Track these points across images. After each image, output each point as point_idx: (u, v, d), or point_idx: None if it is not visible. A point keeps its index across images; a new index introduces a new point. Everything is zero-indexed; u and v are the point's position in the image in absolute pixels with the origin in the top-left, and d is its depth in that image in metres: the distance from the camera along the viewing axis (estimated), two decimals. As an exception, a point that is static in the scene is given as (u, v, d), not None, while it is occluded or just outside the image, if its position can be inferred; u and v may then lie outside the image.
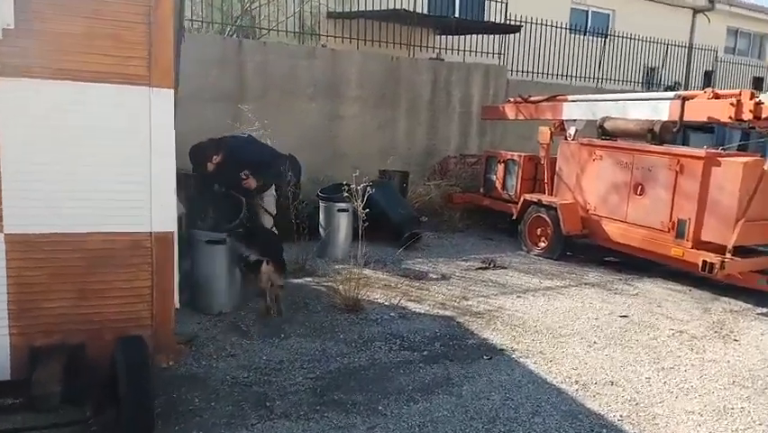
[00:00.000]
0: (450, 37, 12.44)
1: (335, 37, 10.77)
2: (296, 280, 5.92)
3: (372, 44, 11.03)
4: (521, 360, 4.42)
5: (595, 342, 4.89)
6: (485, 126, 11.65)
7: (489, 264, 7.23)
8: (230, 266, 4.95)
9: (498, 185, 9.05)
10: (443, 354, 4.44)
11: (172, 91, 3.33)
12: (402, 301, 5.57)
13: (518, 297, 6.00)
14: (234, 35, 10.41)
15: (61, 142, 3.11)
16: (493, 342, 4.74)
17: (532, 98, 8.79)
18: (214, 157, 5.46)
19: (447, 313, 5.35)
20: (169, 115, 3.33)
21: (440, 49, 11.96)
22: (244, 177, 5.65)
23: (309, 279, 6.05)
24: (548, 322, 5.29)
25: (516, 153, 8.96)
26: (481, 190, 9.46)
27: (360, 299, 5.22)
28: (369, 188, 7.99)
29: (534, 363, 4.39)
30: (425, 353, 4.44)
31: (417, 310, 5.37)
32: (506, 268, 7.14)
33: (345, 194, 5.69)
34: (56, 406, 2.86)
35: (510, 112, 9.16)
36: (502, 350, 4.59)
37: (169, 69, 3.32)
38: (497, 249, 8.14)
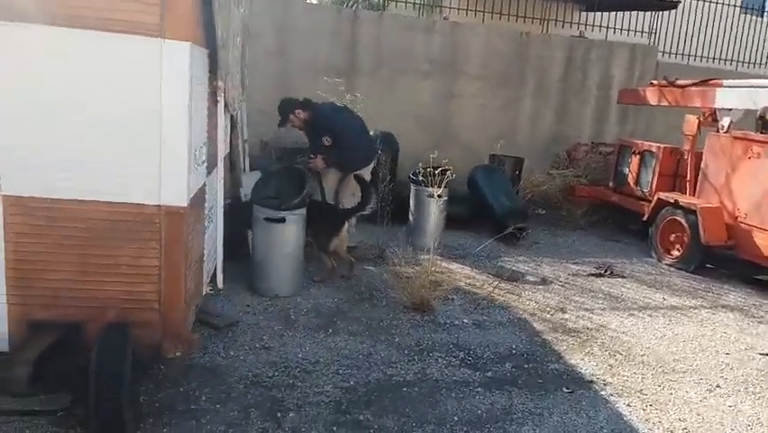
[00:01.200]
0: (593, 13, 11.14)
1: (458, 9, 9.95)
2: (369, 268, 5.35)
3: (500, 18, 10.08)
4: (612, 399, 3.50)
5: (718, 386, 3.82)
6: (627, 113, 10.28)
7: (605, 271, 6.17)
8: (290, 246, 4.49)
9: (631, 179, 7.82)
10: (512, 378, 3.64)
11: (189, 45, 2.85)
12: (483, 305, 4.80)
13: (631, 315, 4.97)
14: (355, 6, 10.02)
15: (52, 95, 2.74)
16: (581, 370, 3.84)
17: (679, 81, 7.44)
18: (299, 111, 5.34)
19: (534, 326, 4.50)
20: (184, 74, 2.85)
21: (577, 24, 10.68)
22: (312, 157, 5.35)
23: (386, 267, 5.43)
24: (660, 352, 4.26)
25: (654, 144, 7.67)
26: (611, 184, 8.27)
27: (430, 297, 4.53)
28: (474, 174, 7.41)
29: (629, 405, 3.46)
30: (489, 374, 3.67)
31: (498, 319, 4.58)
32: (624, 277, 6.05)
33: (420, 177, 4.90)
34: (23, 391, 2.52)
35: (652, 97, 7.85)
36: (590, 382, 3.69)
37: (187, 20, 2.84)
38: (620, 254, 7.01)
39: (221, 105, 3.75)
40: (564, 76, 9.99)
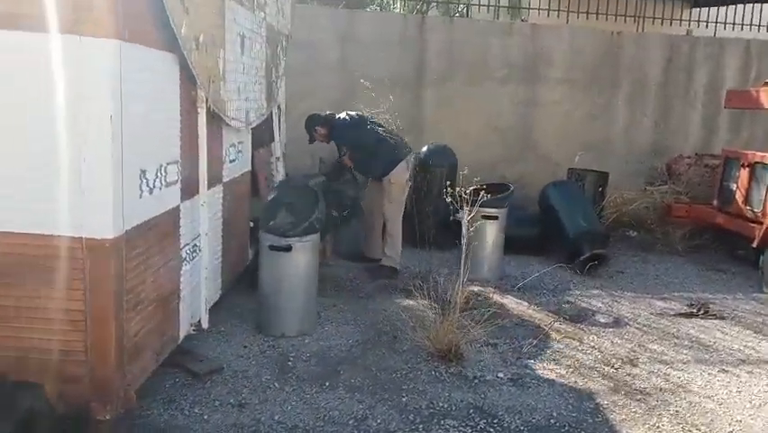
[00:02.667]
0: (698, 9, 9.82)
1: (539, 9, 9.05)
2: (405, 302, 4.68)
3: (587, 17, 9.05)
4: (674, 501, 2.60)
5: (838, 489, 2.78)
6: (741, 120, 8.89)
7: (698, 310, 5.09)
8: (299, 278, 3.93)
9: (739, 197, 6.57)
10: (541, 461, 2.84)
11: (118, 44, 2.36)
12: (529, 354, 3.98)
13: (722, 370, 3.93)
14: (426, 12, 9.40)
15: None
16: (639, 452, 2.95)
17: (803, 78, 6.16)
18: (319, 127, 5.49)
19: (590, 384, 3.62)
20: (109, 79, 2.37)
21: (680, 20, 9.42)
22: (343, 153, 5.52)
23: (425, 301, 4.73)
24: (757, 429, 3.24)
25: (768, 155, 6.40)
26: (715, 203, 7.03)
27: (460, 343, 3.78)
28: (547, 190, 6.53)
29: None
30: (510, 454, 2.89)
31: (544, 373, 3.74)
32: (723, 318, 4.94)
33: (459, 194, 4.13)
34: None
35: (767, 99, 6.58)
36: (648, 472, 2.80)
37: (112, 13, 2.35)
38: (722, 287, 5.84)
39: (201, 118, 3.26)
40: (665, 79, 8.80)
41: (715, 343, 4.40)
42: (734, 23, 9.29)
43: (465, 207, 3.87)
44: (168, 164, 2.94)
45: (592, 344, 4.25)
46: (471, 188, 3.96)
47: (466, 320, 4.10)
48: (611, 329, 4.55)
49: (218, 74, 3.49)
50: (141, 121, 2.62)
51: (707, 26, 9.37)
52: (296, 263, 3.90)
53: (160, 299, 2.95)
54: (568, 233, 6.10)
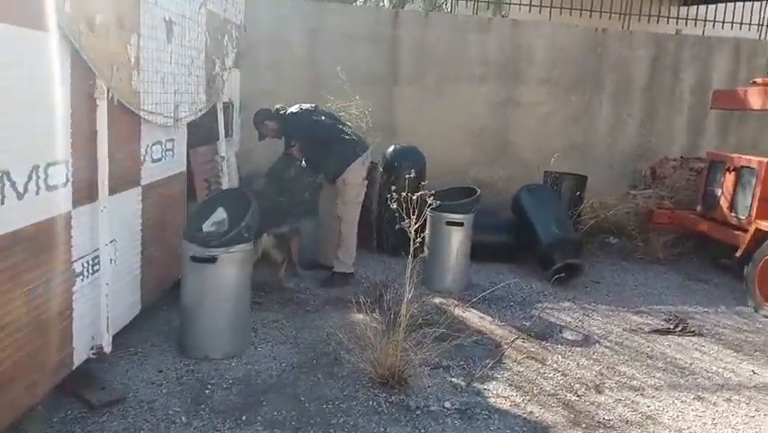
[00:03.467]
0: (686, 7, 9.46)
1: (520, 5, 8.66)
2: (356, 317, 4.25)
3: (571, 14, 8.66)
4: None
5: None
6: (729, 122, 8.53)
7: (676, 326, 4.70)
8: (226, 294, 3.51)
9: (724, 203, 6.20)
10: None
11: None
12: (483, 377, 3.57)
13: (697, 398, 3.54)
14: (402, 6, 9.00)
15: None
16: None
17: (792, 77, 5.79)
18: (268, 122, 5.25)
19: (547, 416, 3.22)
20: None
21: (667, 18, 9.03)
22: (291, 145, 5.28)
23: (378, 316, 4.31)
24: (734, 470, 2.85)
25: (754, 158, 6.02)
26: (698, 208, 6.66)
27: (404, 367, 3.36)
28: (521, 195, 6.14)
29: None
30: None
31: (497, 402, 3.33)
32: (702, 335, 4.55)
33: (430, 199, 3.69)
34: None
35: (755, 99, 6.22)
36: None
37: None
38: (704, 299, 5.46)
39: (101, 112, 2.83)
40: (650, 79, 8.42)
41: (691, 364, 4.01)
42: (723, 21, 8.94)
43: (411, 215, 3.43)
44: (49, 165, 2.52)
45: (556, 365, 3.84)
46: (421, 193, 3.48)
47: (417, 339, 3.71)
48: (579, 348, 4.15)
49: (127, 62, 3.07)
50: (1, 113, 2.20)
51: (695, 24, 8.99)
52: (221, 277, 3.47)
53: (37, 322, 2.53)
54: (540, 240, 5.71)
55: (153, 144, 3.65)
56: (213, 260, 3.40)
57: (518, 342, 4.15)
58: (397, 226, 3.52)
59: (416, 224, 3.42)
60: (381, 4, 8.99)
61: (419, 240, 3.45)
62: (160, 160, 3.76)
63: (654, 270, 6.30)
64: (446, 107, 7.91)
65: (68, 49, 2.55)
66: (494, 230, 6.13)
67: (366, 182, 5.29)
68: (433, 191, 3.63)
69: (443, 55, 7.85)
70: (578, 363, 3.89)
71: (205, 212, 3.72)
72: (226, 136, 5.39)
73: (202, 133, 4.75)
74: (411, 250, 3.42)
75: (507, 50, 8.04)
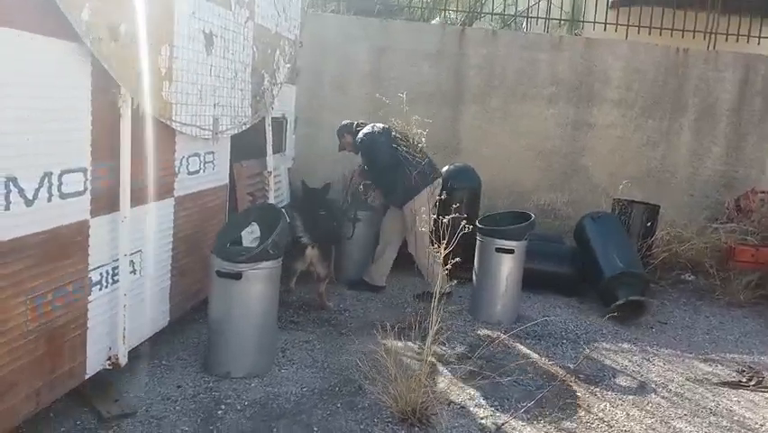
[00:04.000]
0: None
1: (594, 23, 8.25)
2: (393, 344, 4.04)
3: (650, 33, 8.17)
4: None
5: None
6: (828, 151, 7.75)
7: (749, 379, 4.19)
8: (252, 311, 3.41)
9: (816, 242, 5.56)
10: None
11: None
12: (515, 426, 3.26)
13: (765, 467, 3.09)
14: (471, 24, 8.77)
15: None
16: None
17: None
18: (346, 134, 5.37)
19: (583, 472, 2.88)
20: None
21: (758, 38, 8.33)
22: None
23: (417, 345, 4.09)
24: None
25: None
26: (787, 247, 6.02)
27: (429, 404, 3.12)
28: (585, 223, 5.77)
29: None
30: None
31: (529, 451, 3.03)
32: (779, 392, 4.03)
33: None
34: None
35: None
36: None
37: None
38: (789, 349, 4.87)
39: (125, 121, 2.81)
40: (738, 103, 7.80)
41: (763, 426, 3.53)
42: (823, 42, 8.15)
43: (442, 240, 3.20)
44: (64, 172, 2.50)
45: (602, 414, 3.48)
46: (453, 216, 3.25)
47: (452, 374, 3.49)
48: (631, 396, 3.75)
49: (157, 72, 3.05)
50: (10, 119, 2.19)
51: (788, 44, 8.28)
52: (247, 294, 3.37)
53: (45, 329, 2.50)
54: (603, 273, 5.30)
55: (190, 156, 3.62)
56: (238, 276, 3.31)
57: (564, 385, 3.80)
58: (428, 251, 3.28)
59: (447, 249, 3.18)
60: (449, 21, 8.80)
61: (449, 267, 3.19)
62: (197, 172, 3.73)
63: (732, 313, 5.72)
64: (513, 128, 7.63)
65: (88, 57, 2.53)
66: (554, 259, 5.77)
67: (433, 211, 5.10)
68: (464, 214, 3.38)
69: (511, 74, 7.59)
70: (627, 414, 3.51)
71: (236, 226, 3.64)
72: (278, 151, 5.40)
73: (250, 147, 4.73)
74: (440, 278, 3.18)
75: (580, 70, 7.66)
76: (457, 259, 3.22)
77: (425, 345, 3.40)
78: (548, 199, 7.50)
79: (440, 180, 5.24)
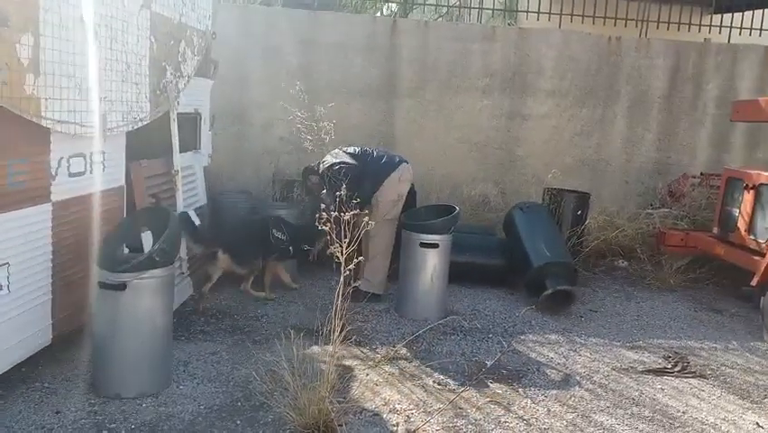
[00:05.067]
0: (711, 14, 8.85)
1: (527, 12, 8.18)
2: (313, 350, 3.81)
3: (583, 21, 8.15)
4: None
5: None
6: (759, 137, 7.90)
7: (675, 365, 4.13)
8: (140, 325, 3.13)
9: (742, 224, 5.58)
10: None
11: None
12: (432, 429, 3.09)
13: (685, 459, 2.99)
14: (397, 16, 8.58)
15: None
16: None
17: (819, 85, 5.19)
18: (311, 177, 5.24)
19: (494, 476, 2.72)
20: None
21: (688, 25, 8.42)
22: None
23: (330, 348, 3.87)
24: None
25: (776, 175, 5.41)
26: (715, 230, 6.04)
27: (333, 415, 2.91)
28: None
29: None
30: None
31: (440, 457, 2.85)
32: (704, 377, 3.97)
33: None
34: None
35: (778, 109, 5.61)
36: None
37: None
38: (714, 333, 4.86)
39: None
40: (670, 90, 7.86)
41: (684, 413, 3.45)
42: (751, 28, 8.27)
43: (343, 238, 2.99)
44: None
45: (522, 412, 3.34)
46: (354, 212, 3.04)
47: (369, 377, 3.29)
48: (554, 391, 3.62)
49: (17, 63, 2.74)
50: None
51: (720, 32, 8.38)
52: (134, 306, 3.10)
53: None
54: (531, 264, 5.19)
55: (72, 156, 3.32)
56: (122, 287, 3.03)
57: (486, 382, 3.65)
58: (329, 251, 3.05)
59: (348, 247, 2.96)
60: (381, 12, 8.60)
61: (352, 267, 2.98)
62: (82, 173, 3.43)
63: (663, 298, 5.70)
64: (447, 120, 7.51)
65: None
66: (483, 251, 5.66)
67: (402, 199, 4.98)
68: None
69: (444, 66, 7.45)
70: (548, 410, 3.38)
71: (123, 233, 3.35)
72: (191, 149, 5.10)
73: (155, 145, 4.44)
74: (342, 278, 2.97)
75: (513, 61, 7.59)
76: (360, 258, 3.00)
77: (350, 349, 3.20)
78: (483, 191, 7.39)
79: (407, 165, 5.10)
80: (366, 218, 3.06)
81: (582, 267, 6.09)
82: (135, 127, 3.88)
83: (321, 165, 5.04)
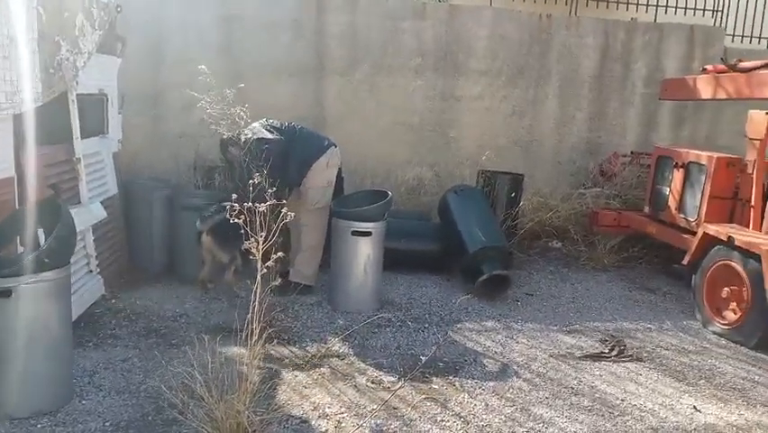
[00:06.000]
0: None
1: (459, -10, 7.98)
2: (236, 351, 3.50)
3: (513, -1, 8.04)
4: None
5: None
6: (684, 115, 8.01)
7: (611, 349, 4.07)
8: (32, 335, 2.75)
9: (672, 203, 5.62)
10: None
11: None
12: None
13: (625, 449, 2.89)
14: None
15: None
16: None
17: (743, 64, 5.22)
18: (231, 148, 4.81)
19: (431, 483, 2.52)
20: None
21: (616, 3, 8.44)
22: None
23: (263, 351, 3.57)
24: None
25: (704, 153, 5.45)
26: (646, 209, 6.07)
27: (256, 428, 2.64)
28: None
29: None
30: None
31: (372, 466, 2.63)
32: (641, 360, 3.92)
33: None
34: None
35: (705, 87, 5.64)
36: None
37: None
38: (648, 313, 4.85)
39: None
40: (600, 69, 7.85)
41: (623, 401, 3.36)
42: (676, 7, 8.38)
43: (259, 231, 2.68)
44: None
45: (459, 408, 3.16)
46: (270, 203, 2.74)
47: (297, 379, 3.03)
48: (492, 383, 3.47)
49: None
50: None
51: (646, 10, 8.45)
52: (22, 314, 2.71)
53: None
54: (466, 249, 5.04)
55: None
56: (6, 293, 2.63)
57: (422, 377, 3.45)
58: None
59: (267, 241, 2.67)
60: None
61: (272, 262, 2.69)
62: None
63: (597, 278, 5.69)
64: (379, 101, 7.24)
65: None
66: (418, 237, 5.47)
67: (331, 185, 4.71)
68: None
69: (375, 44, 7.17)
70: (486, 405, 3.22)
71: (9, 229, 2.94)
72: (97, 134, 4.65)
73: (55, 129, 3.98)
74: (258, 277, 2.67)
75: (445, 39, 7.38)
76: (280, 254, 2.72)
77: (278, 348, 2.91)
78: (418, 175, 7.19)
79: (336, 149, 4.85)
80: (285, 209, 2.75)
81: (517, 249, 6.00)
82: (23, 110, 3.42)
83: (243, 136, 4.67)
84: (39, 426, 2.74)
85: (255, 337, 2.70)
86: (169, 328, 3.94)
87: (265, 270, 2.62)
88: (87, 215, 4.05)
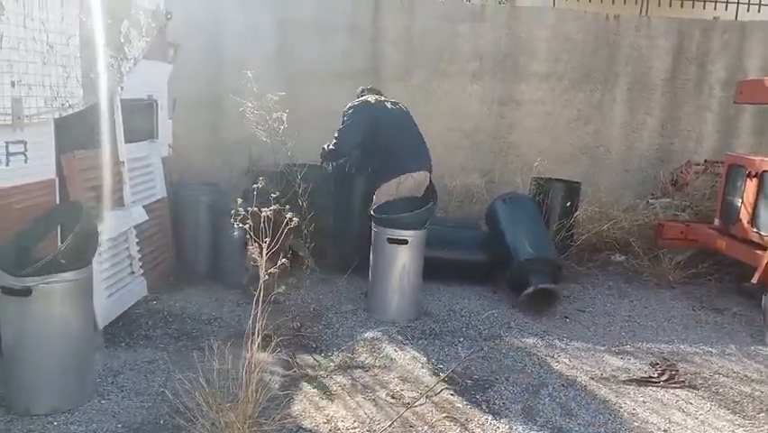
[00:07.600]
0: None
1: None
2: (259, 357, 3.46)
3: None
4: None
5: None
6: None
7: (661, 373, 3.73)
8: (49, 334, 2.81)
9: (744, 215, 5.15)
10: None
11: None
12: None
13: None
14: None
15: None
16: None
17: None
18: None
19: None
20: None
21: (692, 1, 7.91)
22: None
23: (290, 359, 3.54)
24: None
25: (781, 162, 4.97)
26: (717, 222, 5.60)
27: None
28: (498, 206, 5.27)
29: None
30: None
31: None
32: (694, 388, 3.57)
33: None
34: None
35: (786, 89, 5.14)
36: None
37: None
38: (711, 335, 4.45)
39: None
40: (673, 72, 7.40)
41: (666, 432, 3.06)
42: (760, 4, 7.76)
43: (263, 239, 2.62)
44: None
45: (479, 431, 2.97)
46: (274, 208, 2.68)
47: (317, 389, 2.95)
48: (520, 405, 3.25)
49: None
50: None
51: (726, 7, 7.88)
52: (42, 313, 2.77)
53: None
54: (513, 259, 4.81)
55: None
56: (27, 292, 2.70)
57: (446, 395, 3.29)
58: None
59: (270, 250, 2.60)
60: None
61: (275, 270, 2.62)
62: (-6, 165, 3.10)
63: (659, 295, 5.29)
64: (435, 106, 7.11)
65: None
66: (465, 246, 5.27)
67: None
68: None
69: (431, 48, 7.05)
70: (510, 428, 3.01)
71: (34, 232, 3.02)
72: (146, 138, 4.78)
73: (76, 133, 4.07)
74: (260, 285, 2.61)
75: (504, 42, 7.16)
76: (283, 261, 2.65)
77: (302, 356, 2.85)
78: (470, 181, 6.99)
79: (415, 175, 4.76)
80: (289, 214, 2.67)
81: (575, 262, 5.70)
82: (64, 114, 3.54)
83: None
84: (55, 423, 2.79)
85: (256, 346, 2.63)
86: (201, 331, 3.96)
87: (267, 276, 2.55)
88: (128, 218, 4.15)
